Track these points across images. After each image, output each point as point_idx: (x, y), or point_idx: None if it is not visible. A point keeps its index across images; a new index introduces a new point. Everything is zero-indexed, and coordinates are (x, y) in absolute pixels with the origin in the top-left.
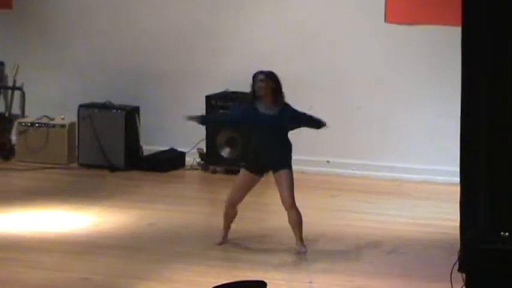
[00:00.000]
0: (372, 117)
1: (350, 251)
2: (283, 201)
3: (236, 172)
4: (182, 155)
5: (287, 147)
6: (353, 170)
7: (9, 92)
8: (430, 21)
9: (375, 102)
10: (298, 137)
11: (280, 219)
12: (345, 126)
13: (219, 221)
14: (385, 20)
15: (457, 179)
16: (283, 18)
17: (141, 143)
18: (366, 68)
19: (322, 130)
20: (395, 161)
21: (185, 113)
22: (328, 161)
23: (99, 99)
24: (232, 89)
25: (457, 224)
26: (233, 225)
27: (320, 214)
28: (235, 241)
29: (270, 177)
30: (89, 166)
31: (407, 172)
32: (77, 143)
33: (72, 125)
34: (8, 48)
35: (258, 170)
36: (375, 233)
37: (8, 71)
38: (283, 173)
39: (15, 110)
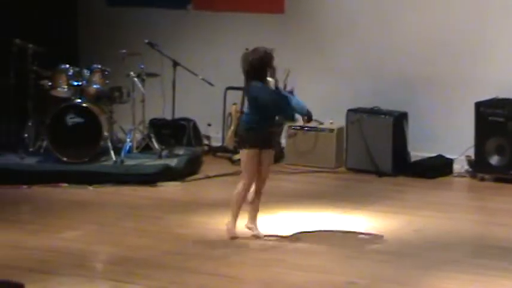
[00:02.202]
0: None
1: None
2: None
3: (506, 181)
4: (450, 161)
5: (243, 125)
6: None
7: None
8: None
9: None
10: None
11: None
12: None
13: (488, 229)
14: None
15: None
16: None
17: (409, 149)
18: None
19: None
20: None
21: (454, 120)
22: None
23: (368, 104)
24: (502, 95)
25: None
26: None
27: None
28: (498, 249)
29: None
30: (356, 171)
31: None
32: (344, 148)
33: (340, 129)
34: (279, 52)
35: None
36: None
37: (279, 75)
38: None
39: None
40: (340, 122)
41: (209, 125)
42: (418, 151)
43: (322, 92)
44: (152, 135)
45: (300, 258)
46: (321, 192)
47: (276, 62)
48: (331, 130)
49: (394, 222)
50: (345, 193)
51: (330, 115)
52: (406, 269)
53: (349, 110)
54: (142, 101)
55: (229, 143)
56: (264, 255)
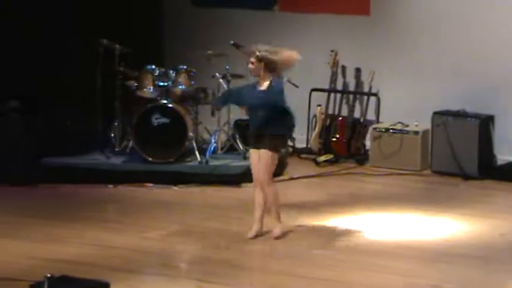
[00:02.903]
0: None
1: None
2: (260, 180)
3: None
4: None
5: (276, 126)
6: None
7: (365, 97)
8: None
9: None
10: None
11: None
12: None
13: None
14: None
15: None
16: None
17: (495, 152)
18: None
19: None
20: None
21: None
22: None
23: (454, 106)
24: None
25: None
26: None
27: None
28: None
29: None
30: (441, 173)
31: None
32: (430, 150)
33: (425, 132)
34: (364, 54)
35: (252, 141)
36: None
37: (364, 77)
38: (262, 152)
39: (370, 115)
40: (425, 124)
41: None
42: (504, 155)
43: (408, 94)
44: (237, 136)
45: (389, 261)
46: (405, 195)
47: (362, 64)
48: (417, 132)
49: (479, 226)
50: (430, 196)
51: (415, 117)
52: (493, 273)
53: (435, 113)
54: None
55: (314, 145)
56: (352, 258)
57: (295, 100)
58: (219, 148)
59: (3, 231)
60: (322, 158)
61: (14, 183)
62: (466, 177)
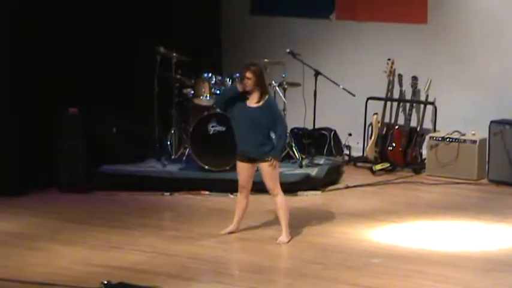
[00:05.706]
0: None
1: None
2: (268, 190)
3: None
4: None
5: (268, 140)
6: None
7: (422, 106)
8: None
9: None
10: None
11: None
12: None
13: None
14: None
15: None
16: None
17: None
18: None
19: None
20: None
21: None
22: None
23: (511, 115)
24: None
25: None
26: None
27: None
28: None
29: None
30: (498, 183)
31: None
32: (487, 159)
33: (482, 140)
34: (421, 62)
35: (245, 159)
36: None
37: (421, 85)
38: (264, 165)
39: (427, 124)
40: (482, 133)
41: (350, 134)
42: None
43: (465, 103)
44: (293, 144)
45: (442, 270)
46: (462, 204)
47: (419, 72)
48: (474, 141)
49: None
50: (486, 205)
51: (472, 126)
52: None
53: (492, 121)
54: (284, 110)
55: (370, 154)
56: (406, 266)
57: (351, 108)
58: None
59: (61, 237)
60: (379, 167)
61: (72, 190)
62: None
